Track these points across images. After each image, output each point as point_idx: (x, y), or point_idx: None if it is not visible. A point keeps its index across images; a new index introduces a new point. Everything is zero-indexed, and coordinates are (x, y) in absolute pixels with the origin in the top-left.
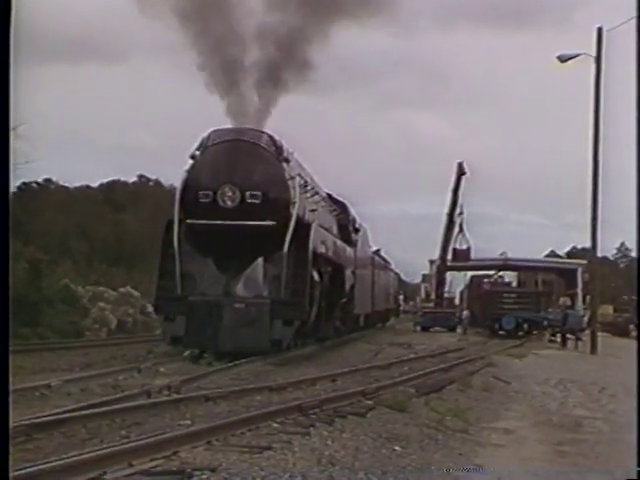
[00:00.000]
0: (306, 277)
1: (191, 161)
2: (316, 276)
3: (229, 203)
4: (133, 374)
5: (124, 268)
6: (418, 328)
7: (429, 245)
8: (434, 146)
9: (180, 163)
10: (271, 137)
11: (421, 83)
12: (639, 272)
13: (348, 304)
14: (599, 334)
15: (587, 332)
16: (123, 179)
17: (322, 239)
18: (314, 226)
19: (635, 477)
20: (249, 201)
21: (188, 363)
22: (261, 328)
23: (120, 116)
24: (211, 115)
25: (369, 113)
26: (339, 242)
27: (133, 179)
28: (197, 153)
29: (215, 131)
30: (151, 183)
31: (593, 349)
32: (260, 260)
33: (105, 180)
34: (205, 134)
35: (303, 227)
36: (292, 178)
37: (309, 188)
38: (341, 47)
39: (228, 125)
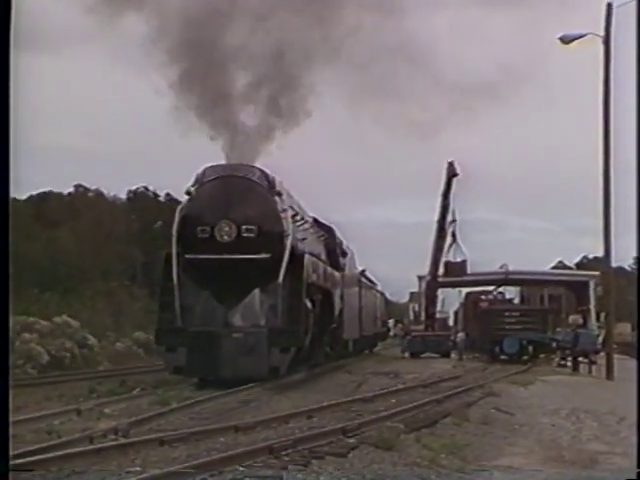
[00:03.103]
0: (301, 306)
1: (187, 197)
2: (309, 304)
3: (226, 238)
4: (72, 417)
5: (59, 293)
6: (406, 354)
7: (417, 258)
8: (422, 142)
9: (123, 169)
10: (263, 172)
11: (406, 69)
12: (639, 275)
13: (337, 330)
14: (616, 356)
15: (602, 354)
16: (57, 190)
17: (314, 268)
18: (307, 256)
19: (635, 477)
20: (245, 235)
21: (139, 402)
22: (259, 356)
23: (50, 113)
24: (155, 113)
25: (347, 104)
26: (328, 269)
27: (69, 189)
28: (192, 189)
29: (210, 168)
30: (90, 194)
31: (609, 374)
32: (256, 291)
33: (35, 192)
34: (199, 170)
35: (296, 258)
36: (284, 210)
37: (299, 218)
38: (316, 30)
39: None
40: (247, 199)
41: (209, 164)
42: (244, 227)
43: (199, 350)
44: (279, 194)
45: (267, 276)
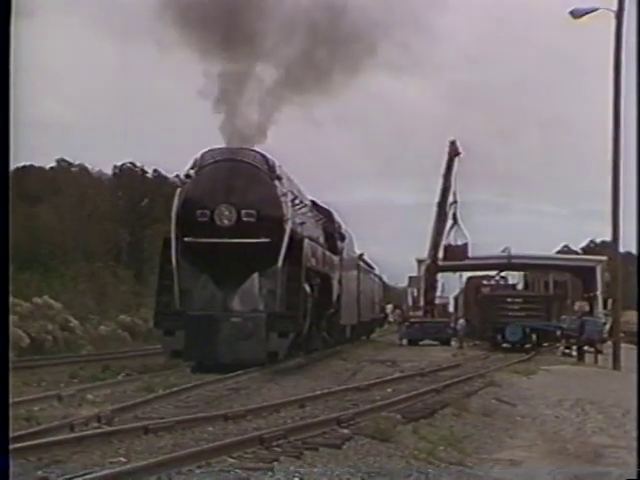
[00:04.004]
0: (300, 290)
1: (186, 180)
2: (307, 289)
3: (226, 222)
4: (52, 403)
5: (40, 273)
6: (404, 341)
7: (416, 241)
8: (421, 120)
9: (108, 142)
10: (263, 156)
11: (404, 42)
12: (639, 272)
13: (335, 315)
14: (623, 345)
15: (609, 343)
16: (38, 164)
17: (313, 252)
18: (306, 241)
19: (635, 477)
20: (245, 219)
21: (123, 389)
22: (258, 340)
23: (28, 83)
24: (139, 83)
25: (339, 80)
26: (327, 253)
27: (51, 164)
28: (192, 172)
29: (209, 151)
30: (73, 169)
31: (616, 364)
32: (255, 275)
33: (14, 166)
34: (198, 154)
35: (296, 242)
36: (284, 195)
37: (298, 202)
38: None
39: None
40: (247, 183)
41: (208, 147)
42: (244, 211)
43: (197, 334)
44: (279, 178)
45: (266, 260)
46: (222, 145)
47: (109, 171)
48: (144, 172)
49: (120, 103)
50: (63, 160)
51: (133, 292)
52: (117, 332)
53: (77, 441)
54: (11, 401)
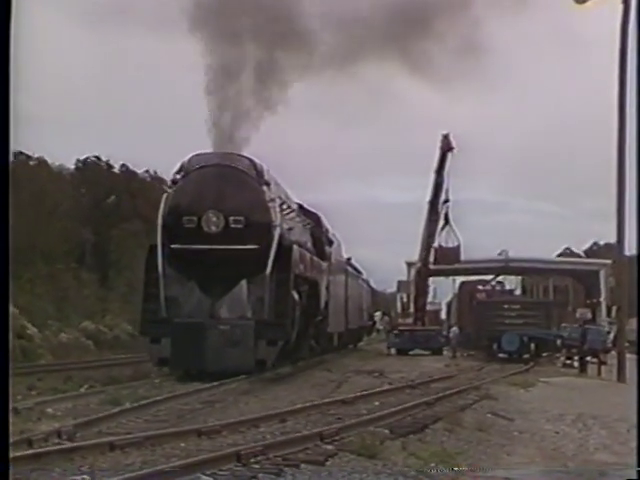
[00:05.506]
0: (288, 298)
1: (172, 186)
2: (296, 296)
3: (213, 228)
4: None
5: None
6: (393, 351)
7: (406, 243)
8: (412, 112)
9: (70, 134)
10: (252, 161)
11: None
12: (639, 277)
13: (322, 322)
14: (628, 356)
15: (613, 353)
16: None
17: (301, 259)
18: (295, 247)
19: (635, 477)
20: (232, 226)
21: (86, 401)
22: (246, 348)
23: None
24: (105, 71)
25: (328, 70)
26: (315, 259)
27: None
28: (178, 177)
29: (196, 156)
30: (32, 162)
31: (620, 375)
32: (244, 282)
33: None
34: (185, 159)
35: (284, 249)
36: (272, 200)
37: (286, 207)
38: None
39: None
40: (235, 189)
41: (196, 152)
42: (232, 218)
43: (184, 342)
44: (267, 184)
45: (254, 267)
46: (201, 139)
47: (71, 165)
48: (110, 167)
49: (87, 94)
50: (21, 153)
51: (98, 297)
52: (80, 340)
53: (35, 458)
54: None
